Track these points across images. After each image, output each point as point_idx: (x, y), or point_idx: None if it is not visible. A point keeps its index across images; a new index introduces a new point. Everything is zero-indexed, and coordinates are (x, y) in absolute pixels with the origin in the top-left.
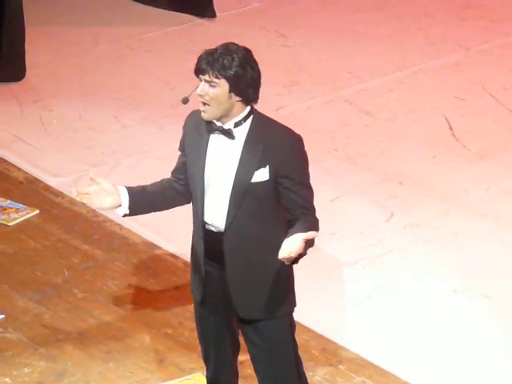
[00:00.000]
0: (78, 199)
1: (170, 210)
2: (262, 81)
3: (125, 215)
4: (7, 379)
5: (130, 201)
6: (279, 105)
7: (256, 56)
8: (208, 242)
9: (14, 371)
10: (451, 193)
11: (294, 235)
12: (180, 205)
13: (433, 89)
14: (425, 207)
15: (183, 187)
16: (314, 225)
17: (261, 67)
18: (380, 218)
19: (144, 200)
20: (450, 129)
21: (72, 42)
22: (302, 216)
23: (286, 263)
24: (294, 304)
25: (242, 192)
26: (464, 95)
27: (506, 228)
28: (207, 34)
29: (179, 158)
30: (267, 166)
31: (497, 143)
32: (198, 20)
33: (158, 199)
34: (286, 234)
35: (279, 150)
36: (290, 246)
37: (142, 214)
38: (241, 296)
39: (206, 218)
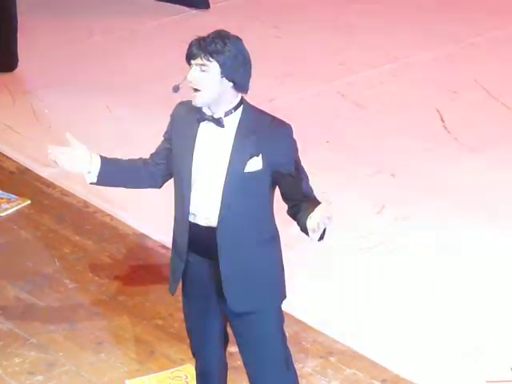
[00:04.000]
0: (50, 157)
1: (162, 200)
2: (255, 72)
3: (92, 183)
4: None
5: (100, 170)
6: (271, 96)
7: (248, 47)
8: (194, 235)
9: (5, 361)
10: (443, 185)
11: (319, 206)
12: (149, 187)
13: (425, 81)
14: (416, 200)
15: (158, 172)
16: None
17: (253, 58)
18: (371, 210)
19: (115, 173)
20: (442, 121)
21: (65, 33)
22: (304, 199)
23: (314, 239)
24: (284, 296)
25: (236, 183)
26: (456, 88)
27: (497, 220)
28: (200, 25)
29: (162, 144)
30: (260, 155)
31: (489, 136)
32: (191, 11)
33: (130, 176)
34: (275, 225)
35: (272, 139)
36: (322, 212)
37: (109, 186)
38: (234, 289)
39: (194, 210)
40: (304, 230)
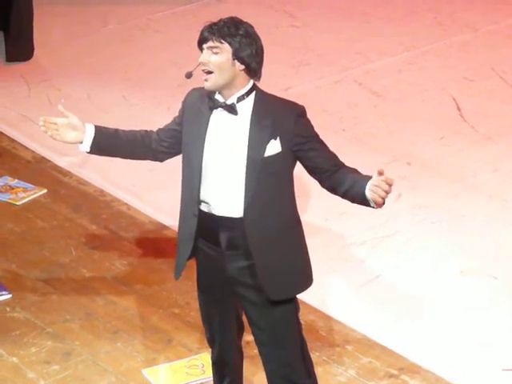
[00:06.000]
0: (42, 129)
1: (179, 189)
2: (271, 61)
3: (87, 152)
4: (14, 359)
5: (93, 140)
6: (287, 85)
7: (264, 36)
8: (207, 225)
9: (21, 351)
10: (459, 174)
11: (377, 178)
12: (148, 160)
13: (441, 69)
14: (433, 188)
15: (161, 148)
16: (357, 170)
17: (269, 47)
18: (388, 198)
19: (110, 144)
20: (459, 110)
21: (80, 22)
22: (338, 169)
23: (375, 207)
24: (312, 280)
25: (258, 168)
26: (472, 76)
27: None
28: (215, 14)
29: (171, 124)
30: (278, 138)
31: (505, 124)
32: None
33: (126, 148)
34: (297, 209)
35: (287, 120)
36: (382, 183)
37: (104, 155)
38: (270, 278)
39: (208, 200)
40: (359, 201)
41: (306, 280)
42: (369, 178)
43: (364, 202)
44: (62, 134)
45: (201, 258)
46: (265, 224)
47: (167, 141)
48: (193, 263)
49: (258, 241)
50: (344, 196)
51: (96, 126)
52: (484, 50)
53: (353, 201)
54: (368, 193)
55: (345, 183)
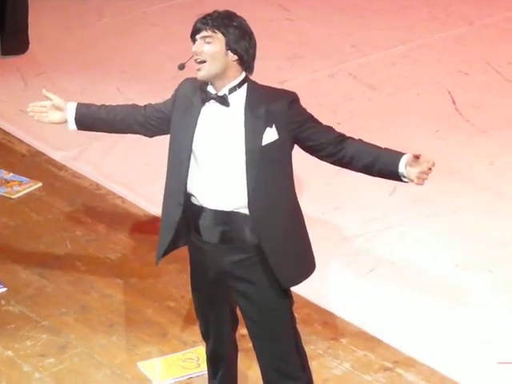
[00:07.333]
0: (30, 114)
1: None
2: (265, 55)
3: (75, 129)
4: (9, 352)
5: (75, 119)
6: (282, 78)
7: (259, 30)
8: (198, 218)
9: (17, 344)
10: (455, 167)
11: (404, 158)
12: (129, 133)
13: (436, 63)
14: (428, 182)
15: (147, 125)
16: (362, 140)
17: (264, 41)
18: (383, 192)
19: (92, 121)
20: (454, 103)
21: (76, 15)
22: (341, 140)
23: (419, 185)
24: (315, 265)
25: (257, 158)
26: (467, 69)
27: (509, 202)
28: (211, 7)
29: (161, 106)
30: (273, 126)
31: (500, 118)
32: None
33: (109, 124)
34: (295, 193)
35: (281, 107)
36: (425, 170)
37: (91, 131)
38: (281, 267)
39: (199, 193)
40: (389, 177)
41: (311, 264)
42: (391, 152)
43: (394, 178)
44: (50, 116)
45: (193, 252)
46: (270, 213)
47: (156, 120)
48: (187, 255)
49: (266, 230)
50: (362, 170)
51: (78, 105)
52: (479, 44)
53: (378, 175)
54: (404, 172)
55: (361, 157)
